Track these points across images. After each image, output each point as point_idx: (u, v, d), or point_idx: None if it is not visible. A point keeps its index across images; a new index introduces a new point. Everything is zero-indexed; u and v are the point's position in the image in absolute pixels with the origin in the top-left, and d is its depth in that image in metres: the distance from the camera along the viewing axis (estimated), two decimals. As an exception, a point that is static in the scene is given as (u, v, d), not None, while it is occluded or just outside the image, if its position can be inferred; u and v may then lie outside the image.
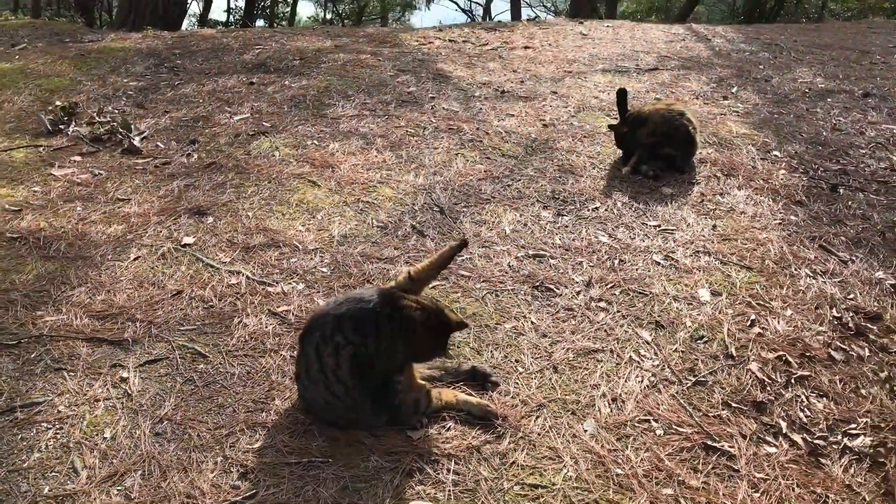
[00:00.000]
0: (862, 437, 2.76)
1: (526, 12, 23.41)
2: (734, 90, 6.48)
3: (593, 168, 4.69)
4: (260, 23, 19.19)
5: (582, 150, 4.93)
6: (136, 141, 4.74)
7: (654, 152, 4.64)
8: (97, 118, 4.98)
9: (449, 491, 2.36)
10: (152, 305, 3.12)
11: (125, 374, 2.74)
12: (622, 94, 4.82)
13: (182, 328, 3.01)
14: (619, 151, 4.83)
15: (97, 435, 2.48)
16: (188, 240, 3.61)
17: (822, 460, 2.64)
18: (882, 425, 2.81)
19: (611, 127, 4.78)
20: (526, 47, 7.70)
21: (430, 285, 3.33)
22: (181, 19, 9.91)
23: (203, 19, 17.94)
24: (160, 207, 3.90)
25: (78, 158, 4.52)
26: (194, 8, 19.74)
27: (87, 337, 2.92)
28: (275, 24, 19.02)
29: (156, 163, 4.50)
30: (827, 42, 8.69)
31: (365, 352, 2.44)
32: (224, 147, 4.75)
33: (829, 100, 6.38)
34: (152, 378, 2.75)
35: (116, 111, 5.24)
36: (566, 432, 2.64)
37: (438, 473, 2.42)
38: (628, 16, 19.08)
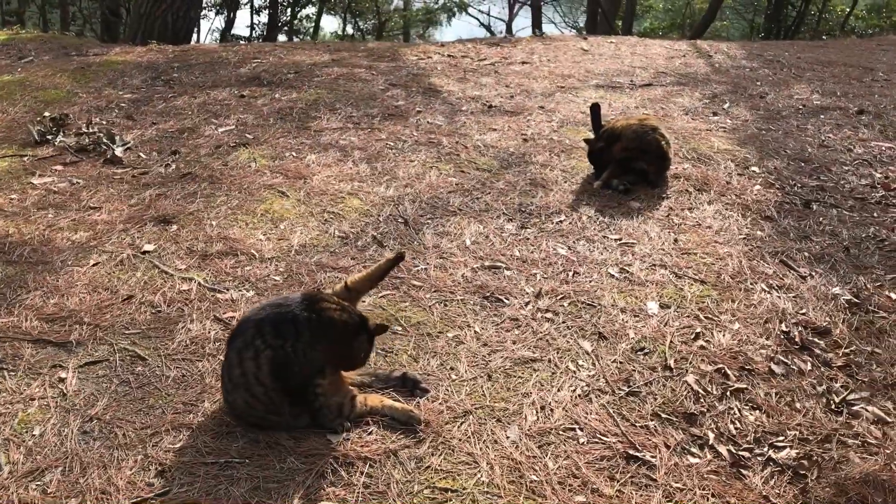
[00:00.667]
0: (787, 449, 2.76)
1: (549, 28, 23.50)
2: (726, 106, 6.49)
3: (565, 182, 4.73)
4: (282, 38, 19.46)
5: (556, 165, 4.97)
6: (119, 151, 4.87)
7: (627, 167, 4.66)
8: (85, 129, 5.12)
9: (359, 493, 2.41)
10: (102, 310, 3.22)
11: (64, 375, 2.83)
12: (596, 109, 4.86)
13: (127, 332, 3.10)
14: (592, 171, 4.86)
15: (26, 432, 2.57)
16: (148, 247, 3.71)
17: (744, 472, 2.65)
18: (810, 438, 2.82)
19: (586, 141, 4.82)
20: (524, 62, 7.77)
21: (376, 294, 3.40)
22: (189, 35, 10.11)
23: (224, 35, 18.24)
24: (128, 216, 4.01)
25: (59, 168, 4.66)
26: (218, 23, 20.07)
27: (33, 338, 3.02)
28: (293, 39, 19.28)
29: (134, 173, 4.62)
30: (832, 59, 8.65)
31: (283, 354, 2.50)
32: (203, 158, 4.87)
33: (822, 116, 6.36)
34: (90, 379, 2.84)
35: (105, 123, 5.39)
36: (488, 438, 2.67)
37: (351, 476, 2.47)
38: (649, 33, 19.06)
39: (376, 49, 8.30)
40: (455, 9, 22.77)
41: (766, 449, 2.76)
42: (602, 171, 4.73)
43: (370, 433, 2.65)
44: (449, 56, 7.96)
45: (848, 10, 17.08)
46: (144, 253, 3.67)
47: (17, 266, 3.52)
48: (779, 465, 2.70)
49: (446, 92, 6.47)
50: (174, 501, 2.34)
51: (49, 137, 5.11)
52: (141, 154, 4.98)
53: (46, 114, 5.26)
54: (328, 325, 2.55)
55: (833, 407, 2.99)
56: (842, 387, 3.10)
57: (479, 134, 5.45)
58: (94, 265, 3.55)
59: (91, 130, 5.15)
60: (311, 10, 21.52)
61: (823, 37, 14.93)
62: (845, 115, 6.43)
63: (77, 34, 14.99)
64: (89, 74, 6.70)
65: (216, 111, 5.79)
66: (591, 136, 4.89)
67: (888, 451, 2.77)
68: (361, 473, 2.48)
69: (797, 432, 2.84)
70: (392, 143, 5.19)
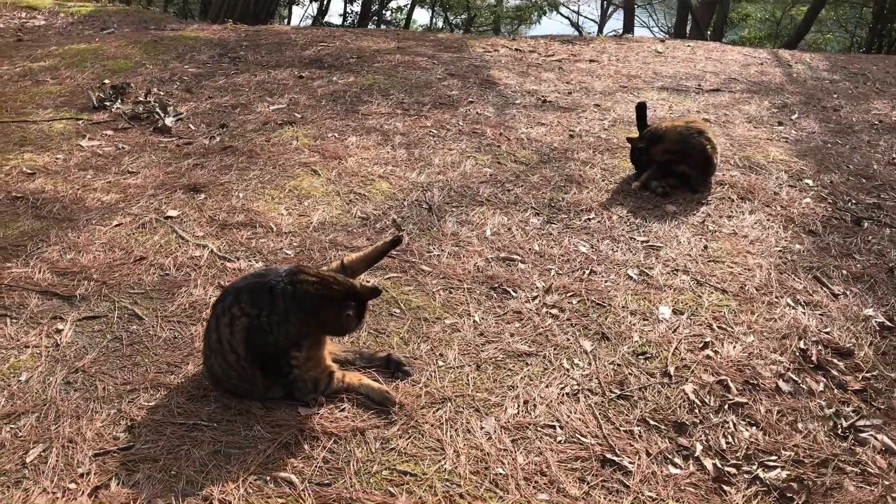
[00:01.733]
0: (778, 469, 2.62)
1: (642, 32, 23.06)
2: (794, 117, 6.23)
3: (603, 180, 4.61)
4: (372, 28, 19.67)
5: (598, 162, 4.85)
6: (169, 121, 5.00)
7: (668, 170, 4.52)
8: (142, 99, 5.27)
9: (317, 467, 2.40)
10: (112, 268, 3.30)
11: (61, 327, 2.91)
12: (641, 108, 4.73)
13: (132, 291, 3.17)
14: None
15: (13, 377, 2.65)
16: (172, 213, 3.79)
17: (726, 487, 2.53)
18: (805, 461, 2.66)
19: (629, 140, 4.69)
20: (591, 60, 7.63)
21: (382, 275, 3.39)
22: (270, 17, 10.31)
23: (316, 22, 18.55)
24: (161, 181, 4.11)
25: (110, 133, 4.81)
26: (311, 10, 20.43)
27: (41, 290, 3.12)
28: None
29: (179, 143, 4.73)
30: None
31: (258, 324, 2.51)
32: (249, 133, 4.94)
33: (896, 134, 6.03)
34: (85, 332, 2.91)
35: (163, 94, 5.53)
36: (461, 427, 2.63)
37: (314, 449, 2.46)
38: (746, 42, 18.49)
39: (445, 40, 8.29)
40: (546, 6, 22.56)
41: (754, 467, 2.63)
42: (643, 172, 4.59)
43: (342, 409, 2.64)
44: (516, 50, 7.89)
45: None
46: (167, 218, 3.75)
47: (45, 221, 3.65)
48: (765, 484, 2.56)
49: (503, 85, 6.41)
50: (135, 457, 2.37)
51: (107, 104, 5.28)
52: (191, 125, 5.09)
53: (107, 81, 5.43)
54: (304, 299, 2.54)
55: (839, 431, 2.82)
56: (853, 411, 2.92)
57: (526, 127, 5.37)
58: (116, 226, 3.65)
59: (147, 100, 5.29)
60: (404, 0, 21.71)
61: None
62: (926, 134, 6.08)
63: (176, 14, 15.43)
64: (160, 47, 6.90)
65: (272, 90, 5.87)
66: (634, 135, 4.76)
67: (888, 483, 2.59)
68: (324, 448, 2.47)
69: (793, 453, 2.69)
70: (435, 131, 5.17)
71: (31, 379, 2.65)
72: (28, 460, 2.34)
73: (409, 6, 21.85)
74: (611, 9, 24.02)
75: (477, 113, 5.60)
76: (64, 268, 3.28)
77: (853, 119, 6.36)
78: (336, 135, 4.99)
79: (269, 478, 2.34)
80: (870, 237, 4.23)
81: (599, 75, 7.08)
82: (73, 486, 2.26)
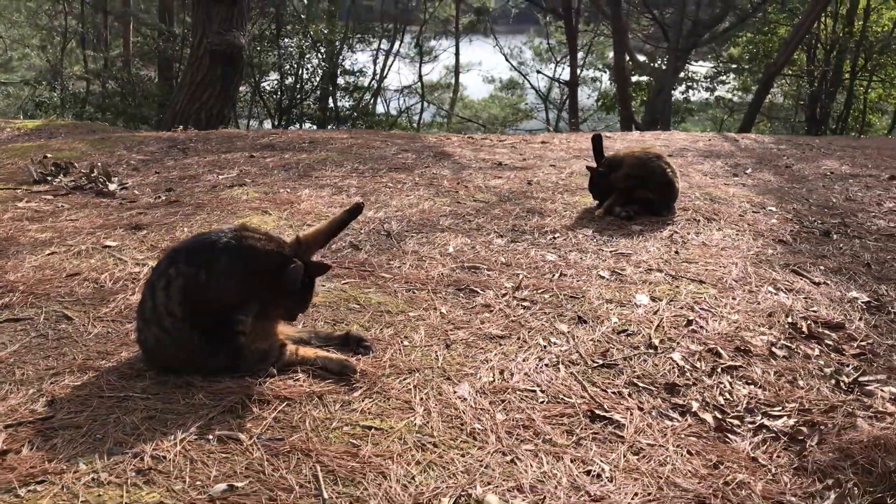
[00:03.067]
0: (785, 418, 2.37)
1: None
2: (748, 171, 6.25)
3: (565, 211, 4.49)
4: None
5: (558, 199, 4.75)
6: (113, 187, 4.81)
7: (630, 196, 4.42)
8: (86, 172, 5.09)
9: (268, 426, 2.09)
10: (41, 282, 3.02)
11: (-22, 328, 2.61)
12: (597, 140, 4.68)
13: (62, 300, 2.89)
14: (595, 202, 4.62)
15: (-87, 369, 2.33)
16: (111, 243, 3.54)
17: (730, 436, 2.26)
18: (812, 409, 2.41)
19: (589, 168, 4.61)
20: (543, 142, 7.70)
21: (338, 280, 3.16)
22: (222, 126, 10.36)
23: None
24: (100, 225, 3.87)
25: (49, 197, 4.59)
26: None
27: (-43, 301, 2.82)
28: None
29: (122, 202, 4.53)
30: (864, 145, 8.42)
31: (195, 282, 2.25)
32: (197, 193, 4.77)
33: (850, 181, 6.08)
34: (6, 333, 2.61)
35: (109, 169, 5.37)
36: (431, 392, 2.34)
37: (263, 411, 2.15)
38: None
39: (398, 133, 8.33)
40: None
41: (758, 417, 2.37)
42: (604, 200, 4.48)
43: (297, 379, 2.34)
44: (469, 138, 7.95)
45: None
46: (105, 247, 3.50)
47: (-29, 253, 3.37)
48: (772, 431, 2.30)
49: (458, 156, 6.38)
50: (54, 425, 2.04)
51: (49, 178, 5.08)
52: (136, 191, 4.90)
53: (48, 155, 5.26)
54: (249, 253, 2.30)
55: (842, 386, 2.59)
56: (854, 369, 2.70)
57: (483, 181, 5.29)
58: (49, 254, 3.38)
59: (92, 173, 5.11)
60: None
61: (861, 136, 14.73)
62: (876, 180, 6.14)
63: (126, 125, 15.40)
64: (107, 142, 6.80)
65: (223, 165, 5.75)
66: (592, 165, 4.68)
67: (905, 421, 2.34)
68: (275, 410, 2.16)
69: (797, 405, 2.44)
70: (392, 185, 5.05)
71: (-63, 370, 2.32)
72: (-78, 435, 2.00)
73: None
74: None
75: (433, 173, 5.52)
76: (-12, 284, 2.99)
77: (805, 172, 6.42)
78: (288, 190, 4.84)
79: (211, 437, 2.02)
80: (840, 245, 4.13)
81: (552, 149, 7.12)
82: (-25, 453, 1.91)
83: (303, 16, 18.60)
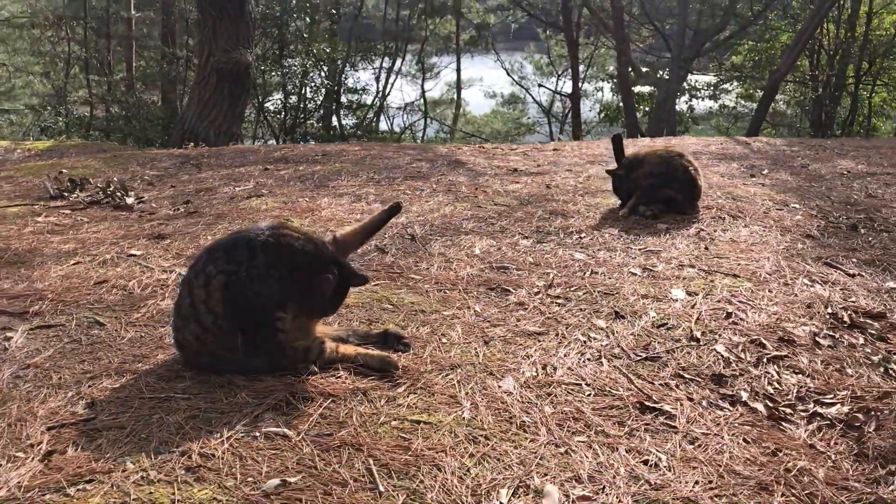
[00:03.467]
0: (838, 405, 2.31)
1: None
2: (764, 171, 6.21)
3: (588, 212, 4.45)
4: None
5: (579, 201, 4.71)
6: (130, 201, 4.78)
7: (653, 195, 4.37)
8: (102, 187, 5.06)
9: (314, 422, 2.04)
10: (69, 290, 2.98)
11: (11, 335, 2.56)
12: (617, 139, 4.65)
13: (91, 306, 2.84)
14: (618, 202, 4.58)
15: (-51, 375, 2.28)
16: (135, 252, 3.51)
17: (784, 424, 2.21)
18: (866, 396, 2.36)
19: (609, 171, 4.57)
20: (555, 149, 7.67)
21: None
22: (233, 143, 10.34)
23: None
24: (122, 235, 3.84)
25: (68, 212, 4.56)
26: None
27: (-12, 309, 2.77)
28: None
29: (141, 214, 4.49)
30: (878, 145, 8.38)
31: (236, 280, 2.21)
32: (215, 205, 4.74)
33: (868, 179, 6.03)
34: (39, 339, 2.56)
35: (125, 182, 5.34)
36: (476, 387, 2.29)
37: (308, 408, 2.10)
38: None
39: (408, 145, 8.31)
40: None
41: (810, 405, 2.32)
42: (627, 200, 4.44)
43: (338, 377, 2.29)
44: (480, 147, 7.92)
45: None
46: (130, 256, 3.46)
47: (-5, 265, 3.33)
48: (827, 419, 2.25)
49: (472, 164, 6.35)
50: (97, 426, 1.99)
51: (65, 194, 5.05)
52: (153, 205, 4.87)
53: (64, 171, 5.23)
54: (287, 252, 2.26)
55: (892, 374, 2.53)
56: (903, 358, 2.64)
57: (501, 186, 5.25)
58: (74, 264, 3.35)
59: (108, 188, 5.08)
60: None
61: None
62: (894, 177, 6.09)
63: (135, 143, 15.40)
64: (120, 160, 6.78)
65: (238, 178, 5.72)
66: (612, 168, 4.64)
67: (963, 406, 2.29)
68: (320, 406, 2.11)
69: (849, 392, 2.39)
70: (410, 192, 5.02)
71: (-27, 376, 2.28)
72: (-36, 439, 1.95)
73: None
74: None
75: (450, 180, 5.48)
76: (16, 293, 2.95)
77: (822, 172, 6.38)
78: (307, 199, 4.81)
79: (258, 434, 1.97)
80: (869, 238, 4.08)
81: (565, 156, 7.09)
82: (20, 454, 1.86)
83: (305, 35, 18.63)
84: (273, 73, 18.17)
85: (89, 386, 2.22)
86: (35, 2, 20.81)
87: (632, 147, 7.32)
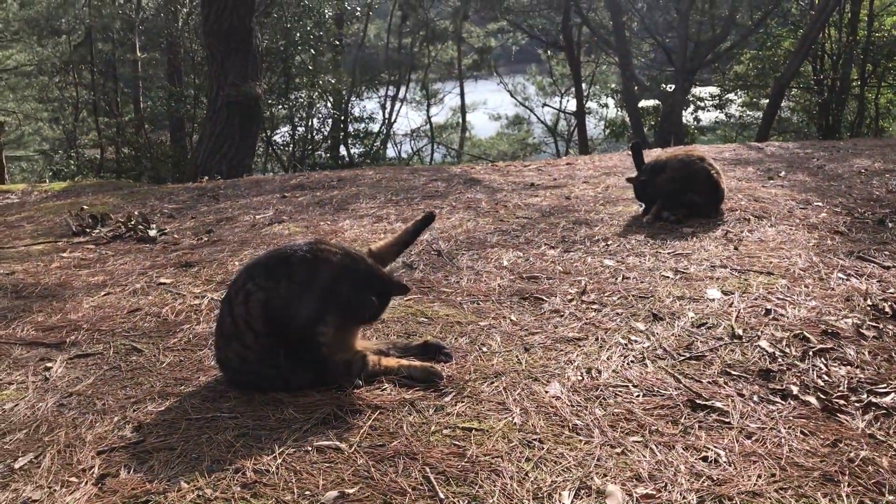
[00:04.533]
0: (893, 395, 2.27)
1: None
2: (782, 174, 6.18)
3: (611, 220, 4.43)
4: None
5: (601, 210, 4.69)
6: (153, 233, 4.79)
7: (676, 199, 4.35)
8: (123, 221, 5.08)
9: (365, 434, 2.01)
10: (104, 320, 2.97)
11: (50, 365, 2.55)
12: (637, 147, 4.64)
13: (127, 334, 2.83)
14: (640, 208, 4.56)
15: (-5, 407, 2.27)
16: (165, 280, 3.50)
17: (839, 415, 2.17)
18: (920, 384, 2.31)
19: (629, 180, 4.56)
20: (568, 164, 7.67)
21: (401, 298, 3.08)
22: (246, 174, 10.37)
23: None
24: (150, 265, 3.84)
25: (92, 247, 4.57)
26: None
27: (26, 342, 2.77)
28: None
29: (164, 245, 4.50)
30: (891, 143, 8.35)
31: (277, 297, 2.20)
32: (238, 232, 4.74)
33: (887, 176, 5.99)
34: (78, 367, 2.55)
35: (145, 216, 5.36)
36: (524, 393, 2.26)
37: (357, 421, 2.08)
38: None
39: (421, 167, 8.32)
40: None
41: (864, 396, 2.28)
42: (650, 206, 4.42)
43: (383, 389, 2.27)
44: (493, 165, 7.93)
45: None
46: (160, 284, 3.46)
47: (27, 300, 3.33)
48: (883, 408, 2.21)
49: (488, 181, 6.35)
50: (147, 448, 1.97)
51: (87, 230, 5.07)
52: (176, 236, 4.88)
53: (85, 207, 5.25)
54: (326, 268, 2.25)
55: (942, 362, 2.49)
56: (950, 345, 2.60)
57: (520, 200, 5.24)
58: (104, 294, 3.34)
59: (130, 222, 5.10)
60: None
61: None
62: (913, 174, 6.05)
63: (150, 180, 15.46)
64: (138, 195, 6.81)
65: (257, 206, 5.74)
66: (632, 175, 4.63)
67: None
68: (369, 418, 2.09)
69: (902, 380, 2.34)
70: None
71: (19, 406, 2.27)
72: (17, 466, 1.93)
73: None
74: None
75: (468, 197, 5.48)
76: (51, 325, 2.95)
77: (839, 171, 6.34)
78: (328, 223, 4.81)
79: (310, 448, 1.95)
80: (899, 232, 4.04)
81: (580, 169, 7.08)
82: (73, 479, 1.85)
83: (310, 66, 18.77)
84: (280, 107, 18.28)
85: (134, 410, 2.20)
86: (42, 49, 21.04)
87: (651, 156, 7.32)
